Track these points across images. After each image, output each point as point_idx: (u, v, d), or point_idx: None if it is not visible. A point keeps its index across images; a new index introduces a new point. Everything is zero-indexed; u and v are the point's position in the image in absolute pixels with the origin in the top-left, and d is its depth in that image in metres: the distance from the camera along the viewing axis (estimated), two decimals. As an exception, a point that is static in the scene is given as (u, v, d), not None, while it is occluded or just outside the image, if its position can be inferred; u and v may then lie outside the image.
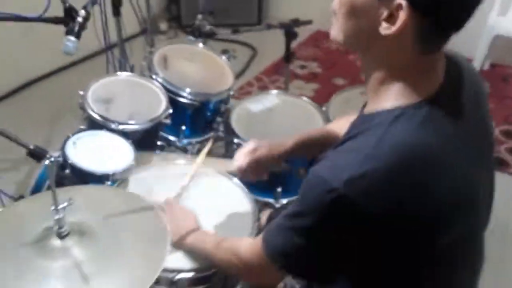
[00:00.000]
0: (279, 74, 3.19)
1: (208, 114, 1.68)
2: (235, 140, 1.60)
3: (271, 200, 1.62)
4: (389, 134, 0.76)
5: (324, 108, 1.76)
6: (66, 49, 1.54)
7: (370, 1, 0.76)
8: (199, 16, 1.99)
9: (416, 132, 0.76)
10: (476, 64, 3.40)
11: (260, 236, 0.94)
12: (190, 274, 1.13)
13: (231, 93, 1.72)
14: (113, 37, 2.05)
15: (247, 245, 0.98)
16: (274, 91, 1.80)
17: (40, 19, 1.44)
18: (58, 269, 0.87)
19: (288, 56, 2.25)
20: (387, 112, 0.79)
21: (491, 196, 0.94)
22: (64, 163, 1.21)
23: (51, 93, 2.90)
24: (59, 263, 0.88)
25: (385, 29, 0.75)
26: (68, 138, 1.28)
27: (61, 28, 1.46)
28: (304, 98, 1.80)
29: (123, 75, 1.61)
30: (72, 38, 1.52)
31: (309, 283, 1.06)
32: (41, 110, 2.64)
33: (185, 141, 1.65)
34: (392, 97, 0.80)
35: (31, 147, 1.25)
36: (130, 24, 2.33)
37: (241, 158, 1.25)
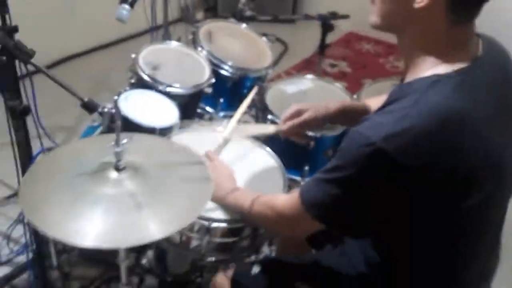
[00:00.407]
0: (309, 69, 3.27)
1: (246, 88, 1.77)
2: (269, 117, 1.69)
3: (297, 178, 1.69)
4: (426, 97, 0.84)
5: (355, 96, 1.84)
6: (120, 16, 1.65)
7: None
8: (243, 0, 2.08)
9: (450, 96, 0.84)
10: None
11: (296, 190, 1.02)
12: (223, 224, 1.23)
13: (269, 72, 1.81)
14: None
15: (283, 198, 1.07)
16: (309, 76, 1.87)
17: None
18: (113, 196, 0.98)
19: (323, 48, 2.34)
20: (424, 79, 0.87)
21: None
22: (113, 114, 1.32)
23: (91, 68, 3.03)
24: (114, 191, 0.98)
25: (419, 2, 0.84)
26: (120, 93, 1.39)
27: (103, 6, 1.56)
28: (337, 84, 1.87)
29: (173, 44, 1.72)
30: (126, 6, 1.63)
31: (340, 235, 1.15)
32: (80, 84, 2.77)
33: (221, 113, 1.74)
34: (428, 67, 0.89)
35: (86, 99, 1.35)
36: (172, 10, 2.45)
37: (287, 119, 1.34)
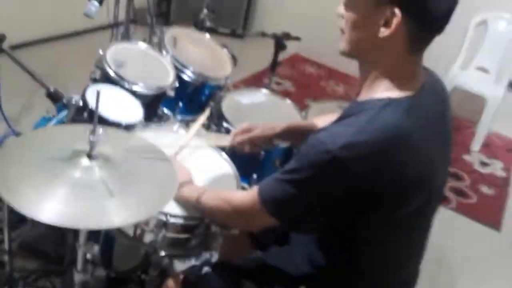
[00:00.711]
0: (257, 84, 3.40)
1: (204, 96, 1.85)
2: (224, 124, 1.78)
3: (245, 185, 1.79)
4: (378, 116, 0.97)
5: (303, 113, 1.98)
6: (88, 12, 1.69)
7: (369, 14, 0.99)
8: (205, 11, 2.18)
9: (400, 118, 0.98)
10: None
11: (254, 187, 1.12)
12: (180, 220, 1.29)
13: (227, 81, 1.91)
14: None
15: (241, 194, 1.17)
16: (264, 90, 2.00)
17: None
18: (83, 181, 1.02)
19: (274, 65, 2.48)
20: (378, 100, 1.01)
21: (443, 185, 1.18)
22: (82, 107, 1.35)
23: (48, 56, 2.98)
24: (85, 177, 1.03)
25: (383, 32, 0.98)
26: (87, 86, 1.42)
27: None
28: (288, 101, 2.01)
29: (140, 44, 1.77)
30: (95, 3, 1.68)
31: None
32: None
33: (179, 116, 1.81)
34: (382, 90, 1.03)
35: (52, 89, 1.38)
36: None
37: (237, 134, 1.44)
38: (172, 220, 1.28)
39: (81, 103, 1.37)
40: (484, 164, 3.61)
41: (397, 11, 0.95)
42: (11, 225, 1.67)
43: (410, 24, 0.96)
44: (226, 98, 1.88)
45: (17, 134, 1.31)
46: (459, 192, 3.16)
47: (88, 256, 1.77)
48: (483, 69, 3.84)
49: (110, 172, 1.06)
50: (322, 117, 1.52)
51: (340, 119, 1.04)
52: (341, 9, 1.06)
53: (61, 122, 1.67)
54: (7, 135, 1.33)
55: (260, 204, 1.07)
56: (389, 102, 1.00)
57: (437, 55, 3.68)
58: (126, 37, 2.21)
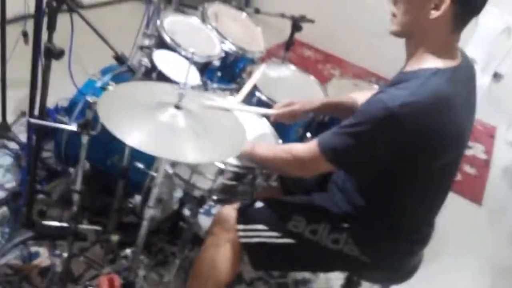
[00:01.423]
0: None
1: (238, 68, 2.06)
2: (256, 93, 1.99)
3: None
4: (428, 82, 1.21)
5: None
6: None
7: (423, 2, 1.21)
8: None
9: (444, 85, 1.22)
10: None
11: (314, 140, 1.34)
12: (234, 169, 1.51)
13: (260, 56, 2.12)
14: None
15: (301, 146, 1.39)
16: (291, 65, 2.21)
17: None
18: (169, 123, 1.23)
19: (289, 44, 2.69)
20: (427, 70, 1.24)
21: (467, 145, 1.42)
22: (150, 69, 1.55)
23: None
24: (171, 120, 1.23)
25: (433, 14, 1.20)
26: (152, 51, 1.61)
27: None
28: (312, 77, 2.23)
29: (193, 17, 1.96)
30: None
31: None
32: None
33: (215, 85, 2.01)
34: (430, 62, 1.25)
35: (119, 52, 1.56)
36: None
37: (280, 107, 1.68)
38: (229, 168, 1.49)
39: (149, 65, 1.56)
40: (467, 147, 3.92)
41: None
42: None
43: (456, 7, 1.19)
44: (256, 70, 2.09)
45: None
46: (446, 171, 3.46)
47: (130, 204, 1.99)
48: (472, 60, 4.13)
49: (191, 121, 1.27)
50: (361, 93, 1.74)
51: (391, 85, 1.26)
52: (395, 0, 1.28)
53: (106, 84, 1.86)
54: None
55: (319, 153, 1.29)
56: (437, 71, 1.23)
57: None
58: (158, 10, 2.37)
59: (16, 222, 1.96)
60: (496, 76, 4.25)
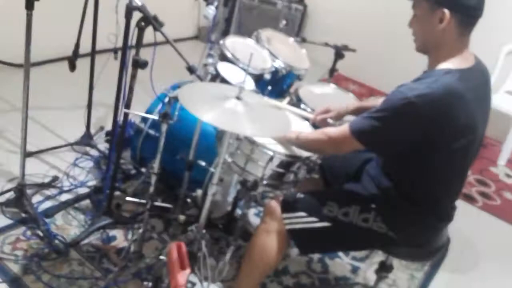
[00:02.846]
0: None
1: (286, 84, 2.40)
2: (301, 105, 2.31)
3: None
4: (441, 79, 1.49)
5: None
6: (207, 14, 2.27)
7: (428, 18, 1.53)
8: (284, 22, 2.75)
9: (454, 82, 1.50)
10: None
11: (345, 124, 1.63)
12: (282, 157, 1.81)
13: (305, 73, 2.46)
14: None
15: (334, 129, 1.68)
16: (332, 84, 2.53)
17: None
18: (231, 108, 1.56)
19: (333, 71, 3.01)
20: (441, 70, 1.53)
21: (482, 136, 1.67)
22: (215, 76, 1.92)
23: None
24: (232, 107, 1.56)
25: (439, 27, 1.51)
26: (216, 62, 1.99)
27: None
28: (351, 94, 2.53)
29: (247, 39, 2.35)
30: (212, 7, 2.25)
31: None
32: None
33: (265, 97, 2.35)
34: (443, 64, 1.55)
35: (190, 64, 1.93)
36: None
37: (320, 113, 2.01)
38: (277, 156, 1.80)
39: (214, 73, 1.93)
40: (509, 176, 4.03)
41: (446, 11, 1.49)
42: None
43: (456, 17, 1.50)
44: (302, 87, 2.42)
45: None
46: (485, 195, 3.59)
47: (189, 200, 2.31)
48: (512, 93, 4.30)
49: (248, 109, 1.59)
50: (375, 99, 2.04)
51: (416, 80, 1.56)
52: (411, 22, 1.61)
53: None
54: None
55: (350, 134, 1.58)
56: (448, 71, 1.53)
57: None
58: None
59: (97, 211, 2.33)
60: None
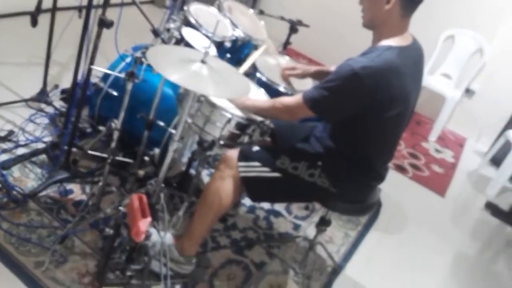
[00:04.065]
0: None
1: (245, 52, 2.55)
2: (257, 74, 2.46)
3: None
4: (382, 54, 1.70)
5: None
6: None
7: None
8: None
9: (394, 57, 1.71)
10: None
11: (298, 94, 1.82)
12: (238, 119, 1.97)
13: (262, 43, 2.61)
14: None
15: (289, 98, 1.87)
16: (286, 56, 2.70)
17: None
18: (195, 71, 1.68)
19: (287, 44, 3.18)
20: (383, 46, 1.74)
21: (413, 107, 1.91)
22: (179, 40, 2.03)
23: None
24: (197, 69, 1.68)
25: (386, 7, 1.71)
26: (180, 27, 2.10)
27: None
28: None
29: (212, 8, 2.47)
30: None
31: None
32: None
33: (225, 64, 2.49)
34: (385, 41, 1.75)
35: (156, 26, 2.03)
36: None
37: (286, 68, 2.25)
38: (234, 118, 1.96)
39: (179, 37, 2.04)
40: (438, 151, 4.42)
41: None
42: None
43: (401, 0, 1.69)
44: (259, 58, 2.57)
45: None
46: (415, 167, 3.95)
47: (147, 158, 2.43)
48: (447, 75, 4.66)
49: (211, 72, 1.73)
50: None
51: (363, 54, 1.76)
52: (361, 0, 1.80)
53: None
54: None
55: (303, 102, 1.77)
56: (389, 47, 1.74)
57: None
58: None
59: (54, 166, 2.41)
60: (469, 92, 4.77)
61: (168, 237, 2.05)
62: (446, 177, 4.02)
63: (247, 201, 2.73)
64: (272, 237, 2.58)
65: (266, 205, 2.78)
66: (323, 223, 2.17)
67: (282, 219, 2.75)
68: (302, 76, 2.26)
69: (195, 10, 2.33)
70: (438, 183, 3.85)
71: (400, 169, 3.83)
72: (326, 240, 2.69)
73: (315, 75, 2.26)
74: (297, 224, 2.75)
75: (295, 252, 2.53)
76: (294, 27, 3.11)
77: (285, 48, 3.21)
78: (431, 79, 4.55)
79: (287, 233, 2.66)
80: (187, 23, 2.24)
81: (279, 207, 2.83)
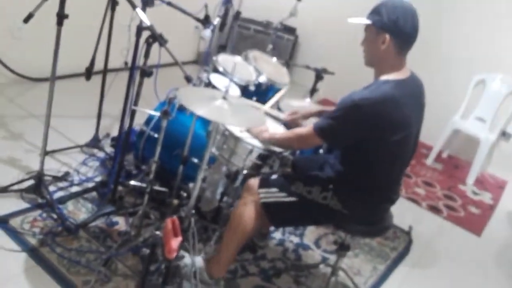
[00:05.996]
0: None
1: (269, 96, 2.83)
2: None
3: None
4: (380, 87, 1.93)
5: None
6: (203, 35, 2.71)
7: (374, 40, 1.97)
8: (270, 46, 3.21)
9: (391, 89, 1.92)
10: (436, 149, 4.68)
11: (310, 125, 2.05)
12: (259, 150, 2.22)
13: (286, 88, 2.89)
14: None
15: (301, 128, 2.10)
16: (308, 99, 2.96)
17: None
18: (218, 106, 1.97)
19: (313, 91, 3.45)
20: (381, 80, 1.96)
21: (417, 135, 2.09)
22: (208, 83, 2.35)
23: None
24: (219, 105, 1.97)
25: (382, 47, 1.95)
26: (209, 74, 2.43)
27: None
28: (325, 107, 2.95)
29: (236, 57, 2.82)
30: (209, 30, 2.70)
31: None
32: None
33: (251, 107, 2.78)
34: (384, 76, 1.98)
35: (188, 74, 2.36)
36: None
37: (290, 114, 2.46)
38: (255, 149, 2.21)
39: (207, 81, 2.37)
40: (475, 193, 4.42)
41: (387, 35, 1.93)
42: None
43: (395, 40, 1.94)
44: (282, 100, 2.85)
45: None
46: (451, 208, 3.98)
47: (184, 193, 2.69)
48: (481, 119, 4.72)
49: (231, 107, 2.01)
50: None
51: (362, 89, 1.99)
52: (362, 42, 2.06)
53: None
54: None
55: (313, 132, 2.01)
56: (386, 81, 1.96)
57: (443, 106, 4.64)
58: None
59: (102, 201, 2.71)
60: (505, 135, 4.79)
61: (198, 260, 2.26)
62: (483, 217, 4.00)
63: (277, 234, 2.91)
64: (299, 267, 2.72)
65: (295, 239, 2.94)
66: (342, 248, 2.31)
67: (310, 251, 2.89)
68: (304, 117, 2.49)
69: (223, 60, 2.68)
70: (474, 223, 3.85)
71: (434, 209, 3.87)
72: (354, 272, 2.79)
73: (319, 115, 2.47)
74: (325, 257, 2.87)
75: (322, 281, 2.65)
76: (319, 74, 3.38)
77: (312, 94, 3.47)
78: (465, 123, 4.64)
79: (315, 265, 2.79)
80: (215, 70, 2.58)
81: (308, 240, 2.97)
